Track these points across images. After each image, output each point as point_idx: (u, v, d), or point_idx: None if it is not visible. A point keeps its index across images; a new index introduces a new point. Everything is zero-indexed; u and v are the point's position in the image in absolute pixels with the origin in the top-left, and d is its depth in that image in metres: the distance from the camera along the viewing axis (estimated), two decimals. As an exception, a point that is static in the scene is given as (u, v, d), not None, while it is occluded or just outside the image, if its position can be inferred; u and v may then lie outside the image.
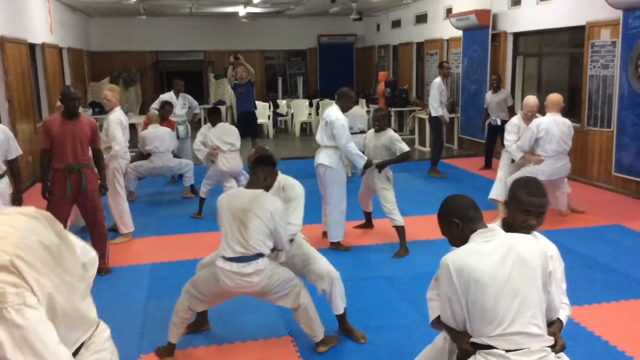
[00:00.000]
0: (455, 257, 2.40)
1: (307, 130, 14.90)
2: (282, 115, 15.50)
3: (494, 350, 2.31)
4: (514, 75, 10.70)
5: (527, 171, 6.28)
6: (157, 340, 4.11)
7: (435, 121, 9.73)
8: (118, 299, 4.91)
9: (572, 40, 9.35)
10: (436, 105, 9.52)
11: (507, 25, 10.54)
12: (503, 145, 9.54)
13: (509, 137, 6.59)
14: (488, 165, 9.94)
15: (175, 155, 8.47)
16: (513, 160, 6.70)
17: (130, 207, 7.45)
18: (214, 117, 7.69)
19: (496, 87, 9.70)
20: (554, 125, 6.27)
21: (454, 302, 2.38)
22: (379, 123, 5.95)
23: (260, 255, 3.59)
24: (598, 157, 8.24)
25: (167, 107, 8.81)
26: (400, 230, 5.79)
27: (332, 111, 5.86)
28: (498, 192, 6.56)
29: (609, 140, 8.02)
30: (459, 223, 2.53)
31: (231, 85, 9.87)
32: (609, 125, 8.00)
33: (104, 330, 1.95)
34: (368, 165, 5.88)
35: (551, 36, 9.93)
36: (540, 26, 9.64)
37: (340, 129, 5.73)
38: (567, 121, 6.45)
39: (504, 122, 9.57)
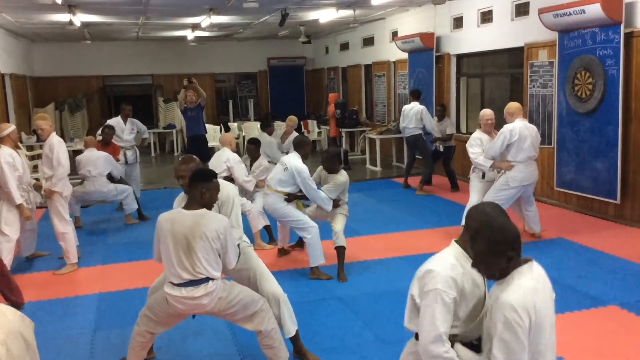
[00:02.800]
0: (523, 299, 2.17)
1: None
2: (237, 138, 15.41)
3: None
4: (458, 95, 11.01)
5: (500, 183, 6.43)
6: (105, 372, 4.02)
7: (420, 141, 9.87)
8: (64, 331, 4.76)
9: (512, 60, 9.70)
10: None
11: (450, 47, 10.86)
12: (447, 169, 9.85)
13: (473, 150, 6.64)
14: (429, 182, 10.15)
15: (121, 181, 8.32)
16: (484, 177, 6.77)
17: (77, 234, 7.30)
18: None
19: (441, 116, 10.00)
20: (526, 130, 6.32)
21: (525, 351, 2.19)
22: (330, 168, 5.98)
23: (210, 278, 3.53)
24: (541, 173, 8.49)
25: (106, 130, 8.69)
26: (341, 251, 5.77)
27: (293, 160, 5.82)
28: None
29: (550, 156, 8.32)
30: (513, 256, 2.25)
31: (181, 109, 9.81)
32: (549, 142, 8.30)
33: None
34: (335, 205, 5.94)
35: (492, 57, 10.28)
36: (481, 48, 9.98)
37: (307, 181, 5.71)
38: (534, 127, 6.58)
39: (446, 148, 9.85)
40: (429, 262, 2.44)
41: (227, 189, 4.02)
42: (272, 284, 4.01)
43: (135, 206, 8.37)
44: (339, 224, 5.87)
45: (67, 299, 5.52)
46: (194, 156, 4.22)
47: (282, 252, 6.55)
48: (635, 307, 4.73)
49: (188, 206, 3.63)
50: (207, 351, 4.32)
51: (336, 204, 5.94)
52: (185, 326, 4.46)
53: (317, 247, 5.75)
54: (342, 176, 5.98)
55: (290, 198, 5.81)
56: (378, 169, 12.15)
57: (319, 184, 6.06)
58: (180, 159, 4.48)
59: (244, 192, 7.10)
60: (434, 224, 7.51)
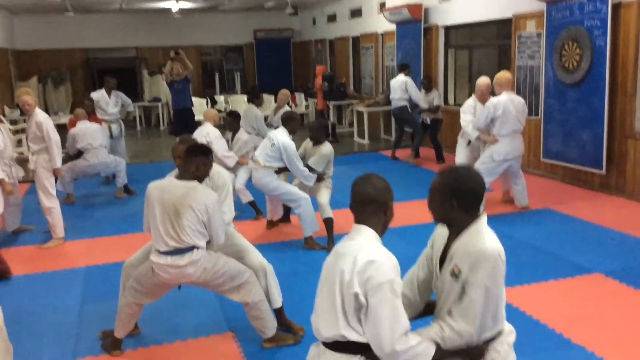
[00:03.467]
0: (499, 246, 2.19)
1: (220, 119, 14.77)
2: (219, 111, 15.30)
3: (502, 338, 2.30)
4: (446, 67, 10.96)
5: (485, 156, 6.44)
6: (93, 344, 4.02)
7: (405, 112, 9.82)
8: (52, 304, 4.75)
9: (500, 32, 9.66)
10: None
11: (438, 18, 10.78)
12: (434, 141, 9.85)
13: (465, 117, 6.66)
14: (417, 154, 10.16)
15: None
16: (469, 144, 6.80)
17: (65, 208, 7.25)
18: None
19: (427, 88, 9.96)
20: (510, 104, 6.30)
21: (500, 297, 2.21)
22: (317, 139, 5.97)
23: (195, 247, 3.54)
24: (528, 144, 8.52)
25: (86, 102, 8.61)
26: (329, 222, 5.79)
27: (281, 135, 5.77)
28: None
29: (537, 128, 8.34)
30: (455, 206, 2.22)
31: (167, 82, 9.68)
32: (536, 113, 8.31)
33: None
34: (320, 179, 5.94)
35: (480, 29, 10.22)
36: (469, 19, 9.91)
37: (293, 158, 5.69)
38: (521, 100, 6.54)
39: (432, 121, 9.83)
40: (359, 252, 2.14)
41: (223, 176, 4.05)
42: (257, 257, 4.03)
43: (125, 180, 8.33)
44: (324, 197, 5.86)
45: (54, 272, 5.49)
46: (191, 136, 4.24)
47: (272, 223, 6.54)
48: (620, 275, 4.80)
49: (180, 177, 3.65)
50: (195, 323, 4.33)
51: (320, 177, 5.93)
52: (173, 298, 4.45)
53: (310, 217, 5.74)
54: (327, 147, 5.97)
55: (279, 171, 5.79)
56: (366, 141, 12.13)
57: (304, 157, 6.04)
58: (178, 139, 4.43)
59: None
60: (420, 195, 7.51)
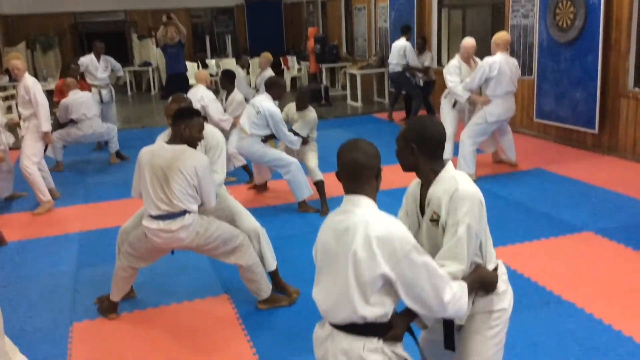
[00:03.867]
0: (475, 188, 2.20)
1: (212, 84, 14.63)
2: (211, 75, 15.15)
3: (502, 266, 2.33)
4: (440, 27, 10.83)
5: (478, 116, 6.43)
6: (89, 308, 4.06)
7: (402, 77, 9.74)
8: (47, 270, 4.78)
9: (494, -10, 9.53)
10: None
11: (431, -23, 10.60)
12: (426, 103, 9.78)
13: (452, 78, 6.57)
14: (408, 116, 10.13)
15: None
16: (454, 105, 6.75)
17: (56, 175, 7.24)
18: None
19: (421, 48, 9.84)
20: (505, 65, 6.26)
21: (483, 234, 2.24)
22: (302, 104, 5.91)
23: (187, 211, 3.55)
24: (520, 104, 8.52)
25: (73, 66, 8.51)
26: (320, 185, 5.78)
27: (265, 102, 5.68)
28: (447, 150, 6.61)
29: (530, 87, 8.30)
30: (415, 150, 2.23)
31: (160, 46, 9.56)
32: (530, 73, 8.26)
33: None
34: (304, 142, 5.92)
35: (474, -13, 10.08)
36: (463, -23, 9.75)
37: (279, 124, 5.63)
38: (515, 61, 6.50)
39: (425, 83, 9.76)
40: (367, 227, 2.00)
41: (217, 136, 4.02)
42: (250, 220, 4.04)
43: (118, 146, 8.30)
44: (312, 160, 5.85)
45: (48, 238, 5.51)
46: (185, 95, 4.19)
47: (259, 188, 6.52)
48: (610, 233, 4.85)
49: (170, 141, 3.64)
50: (191, 285, 4.37)
51: (305, 141, 5.91)
52: (168, 262, 4.49)
53: (301, 181, 5.73)
54: (311, 112, 5.93)
55: (266, 139, 5.73)
56: (359, 104, 12.07)
57: (287, 122, 6.00)
58: (171, 98, 4.39)
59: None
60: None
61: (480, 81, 6.34)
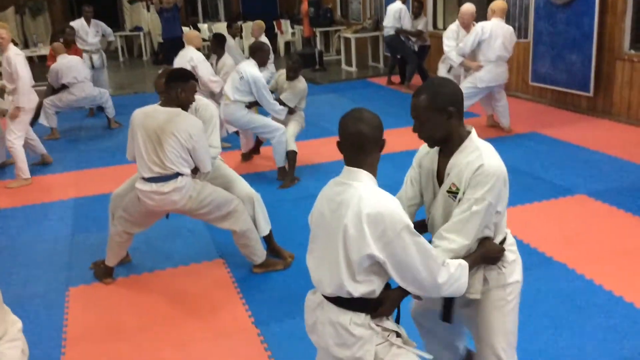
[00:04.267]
0: (501, 165, 2.11)
1: (205, 49, 14.43)
2: (204, 39, 14.95)
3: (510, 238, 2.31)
4: (435, -11, 10.68)
5: (468, 81, 6.40)
6: (85, 273, 4.08)
7: (396, 40, 9.63)
8: (42, 236, 4.79)
9: (491, -49, 9.35)
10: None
11: (427, -63, 10.39)
12: (420, 68, 9.69)
13: (448, 43, 6.58)
14: (402, 81, 10.06)
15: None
16: (450, 70, 6.73)
17: (50, 142, 7.20)
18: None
19: (417, 13, 9.71)
20: (498, 29, 6.25)
21: (500, 209, 2.18)
22: (292, 74, 5.79)
23: (179, 174, 3.54)
24: (516, 68, 8.47)
25: (67, 30, 8.37)
26: (292, 155, 5.65)
27: (249, 68, 5.55)
28: None
29: (525, 51, 8.23)
30: (453, 112, 2.09)
31: (157, 10, 9.42)
32: (525, 36, 8.18)
33: (16, 322, 2.20)
34: (291, 112, 5.83)
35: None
36: (459, -63, 9.57)
37: (263, 91, 5.51)
38: (510, 28, 6.47)
39: (420, 47, 9.65)
40: (361, 203, 1.93)
41: (210, 109, 3.97)
42: (245, 186, 4.04)
43: (114, 110, 8.22)
44: (291, 130, 5.74)
45: (43, 204, 5.51)
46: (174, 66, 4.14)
47: (245, 156, 6.44)
48: (603, 195, 4.88)
49: (164, 104, 3.61)
50: (186, 250, 4.39)
51: (292, 111, 5.81)
52: (163, 227, 4.52)
53: (285, 148, 5.64)
54: (301, 83, 5.82)
55: (250, 106, 5.62)
56: (353, 69, 11.96)
57: (276, 92, 5.93)
58: (160, 71, 4.31)
59: (209, 95, 6.94)
60: (407, 122, 7.48)
61: (473, 45, 6.30)
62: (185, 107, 3.61)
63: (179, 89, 3.54)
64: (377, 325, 2.03)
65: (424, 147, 2.32)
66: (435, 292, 2.01)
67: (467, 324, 2.41)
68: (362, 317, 2.01)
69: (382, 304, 2.04)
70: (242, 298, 3.70)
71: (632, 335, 3.09)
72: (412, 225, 1.96)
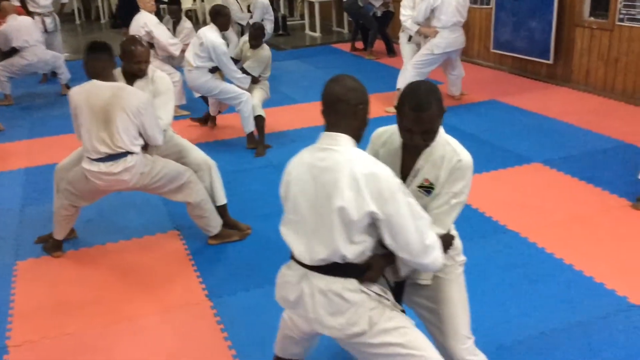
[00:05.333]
0: (469, 154, 2.15)
1: (193, 18, 14.11)
2: (162, 2, 14.51)
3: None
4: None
5: (425, 48, 6.34)
6: (34, 246, 3.98)
7: (354, 6, 9.47)
8: (-10, 208, 4.64)
9: None
10: None
11: None
12: (382, 34, 9.58)
13: (405, 12, 6.52)
14: (366, 47, 9.97)
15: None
16: (410, 39, 6.67)
17: (2, 109, 6.96)
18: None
19: None
20: None
21: None
22: (255, 42, 5.67)
23: (129, 153, 3.43)
24: (478, 35, 8.45)
25: None
26: (260, 120, 5.57)
27: (209, 33, 5.36)
28: (402, 81, 6.57)
29: (487, 17, 8.20)
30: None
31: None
32: (488, 2, 8.14)
33: None
34: (255, 81, 5.70)
35: None
36: None
37: (223, 58, 5.34)
38: None
39: (384, 13, 9.53)
40: (352, 165, 1.92)
41: (167, 82, 3.83)
42: (200, 154, 3.94)
43: (69, 74, 7.95)
44: (257, 97, 5.64)
45: (-8, 175, 5.33)
46: (136, 36, 3.98)
47: (202, 121, 6.31)
48: (557, 164, 4.94)
49: (105, 78, 3.42)
50: (140, 222, 4.30)
51: (255, 80, 5.70)
52: (116, 198, 4.42)
53: (251, 114, 5.56)
54: (265, 51, 5.70)
55: (213, 70, 5.48)
56: (317, 34, 11.78)
57: (240, 60, 5.80)
58: (124, 39, 4.02)
59: (167, 59, 6.76)
60: (371, 89, 7.45)
61: (426, 13, 6.29)
62: (129, 81, 3.43)
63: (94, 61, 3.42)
64: (369, 290, 2.04)
65: (377, 139, 2.29)
66: (422, 255, 1.99)
67: (421, 312, 2.38)
68: (353, 283, 2.02)
69: (370, 269, 2.04)
70: (197, 271, 3.65)
71: (580, 303, 3.15)
72: (404, 186, 1.99)
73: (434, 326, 2.28)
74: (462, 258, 2.37)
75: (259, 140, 5.59)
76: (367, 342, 2.02)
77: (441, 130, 2.15)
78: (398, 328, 2.04)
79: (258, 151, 5.50)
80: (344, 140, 2.00)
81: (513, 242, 3.79)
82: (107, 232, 4.16)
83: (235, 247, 3.91)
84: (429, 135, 2.08)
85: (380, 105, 6.44)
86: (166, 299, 3.37)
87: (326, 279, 2.02)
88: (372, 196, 1.90)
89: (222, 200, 3.98)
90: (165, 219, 4.33)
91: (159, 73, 3.83)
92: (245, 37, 5.92)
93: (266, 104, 6.06)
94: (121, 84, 3.42)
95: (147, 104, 3.43)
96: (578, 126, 5.82)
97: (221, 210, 4.00)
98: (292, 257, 2.12)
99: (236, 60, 5.78)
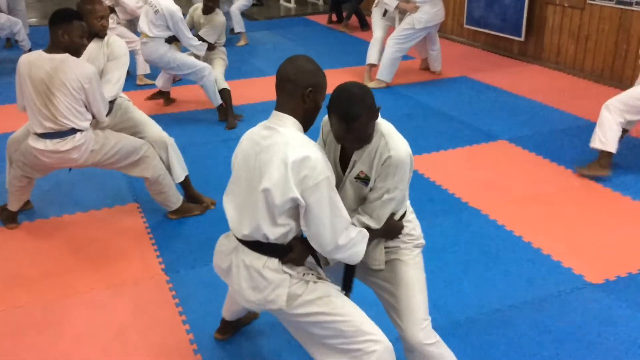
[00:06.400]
0: (408, 149, 2.09)
1: None
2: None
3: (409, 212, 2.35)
4: None
5: (406, 22, 6.26)
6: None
7: None
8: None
9: None
10: None
11: None
12: (356, 8, 9.46)
13: None
14: (339, 19, 9.87)
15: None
16: (385, 14, 6.56)
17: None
18: None
19: None
20: None
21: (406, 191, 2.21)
22: (212, 3, 5.48)
23: (76, 130, 3.29)
24: (452, 10, 8.38)
25: None
26: (226, 93, 5.45)
27: (163, 0, 5.16)
28: (374, 55, 6.50)
29: (462, -8, 8.14)
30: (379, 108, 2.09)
31: None
32: (462, -23, 8.07)
33: None
34: (211, 48, 5.53)
35: None
36: None
37: (180, 25, 5.15)
38: None
39: None
40: (287, 147, 1.91)
41: (123, 47, 3.66)
42: (156, 130, 3.79)
43: (29, 42, 7.70)
44: (217, 68, 5.50)
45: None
46: None
47: (165, 97, 6.09)
48: (523, 141, 4.94)
49: (49, 49, 3.26)
50: (99, 195, 4.21)
51: (212, 47, 5.54)
52: (74, 172, 4.30)
53: (215, 86, 5.42)
54: (219, 16, 5.54)
55: (169, 41, 5.26)
56: (292, 5, 11.61)
57: (193, 28, 5.64)
58: None
59: (131, 26, 6.58)
60: (343, 63, 7.39)
61: None
62: (75, 52, 3.26)
63: (60, 31, 3.19)
64: (291, 271, 2.05)
65: (325, 126, 2.25)
66: (333, 252, 2.02)
67: (378, 292, 2.34)
68: (275, 262, 2.04)
69: (292, 251, 2.06)
70: (155, 244, 3.59)
71: (537, 280, 3.18)
72: (333, 179, 1.96)
73: (391, 307, 2.26)
74: (419, 242, 2.33)
75: (228, 113, 5.48)
76: (291, 313, 2.06)
77: (380, 121, 2.10)
78: (322, 297, 2.06)
79: (229, 123, 5.40)
80: (289, 122, 1.99)
81: (474, 219, 3.79)
82: (64, 204, 4.07)
83: (196, 221, 3.85)
84: (362, 140, 2.04)
85: (351, 79, 6.37)
86: (121, 273, 3.31)
87: (251, 255, 2.06)
88: (296, 183, 1.89)
89: (181, 177, 3.86)
90: (125, 192, 4.24)
91: (114, 37, 3.68)
92: (196, 5, 5.74)
93: (236, 75, 5.98)
94: (65, 55, 3.22)
95: (91, 77, 3.24)
96: (546, 104, 5.84)
97: (184, 184, 3.91)
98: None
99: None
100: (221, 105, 5.52)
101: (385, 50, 6.37)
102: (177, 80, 6.03)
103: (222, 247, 2.19)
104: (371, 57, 6.53)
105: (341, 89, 2.01)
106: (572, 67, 6.80)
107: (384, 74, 6.39)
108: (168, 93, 6.06)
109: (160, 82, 5.95)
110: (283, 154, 1.90)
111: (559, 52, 6.95)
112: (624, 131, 4.23)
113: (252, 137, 2.05)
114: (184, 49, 5.51)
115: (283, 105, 2.02)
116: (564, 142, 4.94)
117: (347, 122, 1.95)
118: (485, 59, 7.56)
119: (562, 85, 6.43)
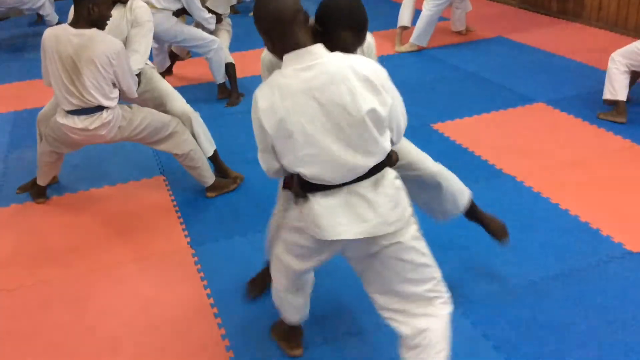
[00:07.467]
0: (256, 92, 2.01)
1: None
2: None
3: None
4: None
5: None
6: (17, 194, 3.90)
7: None
8: (-25, 153, 4.55)
9: None
10: None
11: None
12: None
13: None
14: None
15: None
16: None
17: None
18: None
19: None
20: None
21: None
22: None
23: (103, 107, 3.22)
24: (487, -32, 8.04)
25: None
26: (231, 67, 5.24)
27: None
28: (406, 17, 6.25)
29: (498, -52, 7.78)
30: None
31: None
32: None
33: None
34: (218, 21, 5.31)
35: None
36: None
37: None
38: None
39: None
40: (357, 67, 1.83)
41: (149, 12, 3.59)
42: (180, 104, 3.68)
43: (56, 16, 7.70)
44: (224, 42, 5.28)
45: (-21, 119, 5.22)
46: None
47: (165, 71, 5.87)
48: (561, 104, 4.71)
49: (75, 23, 3.14)
50: (126, 168, 4.18)
51: (219, 18, 5.32)
52: (100, 147, 4.29)
53: (223, 62, 5.19)
54: None
55: (177, 14, 5.02)
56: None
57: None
58: None
59: None
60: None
61: None
62: (102, 25, 3.17)
63: (90, 4, 3.07)
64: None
65: (266, 57, 2.38)
66: (400, 138, 2.05)
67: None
68: (390, 170, 2.02)
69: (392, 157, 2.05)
70: (180, 217, 3.56)
71: (574, 250, 3.03)
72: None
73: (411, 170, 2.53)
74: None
75: (231, 89, 5.30)
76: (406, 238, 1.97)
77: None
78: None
79: (231, 101, 5.22)
80: (321, 50, 1.86)
81: (507, 186, 3.63)
82: (93, 178, 4.07)
83: (222, 196, 3.78)
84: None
85: (380, 44, 6.18)
86: (147, 246, 3.29)
87: (373, 178, 1.93)
88: (385, 89, 1.87)
89: (209, 151, 3.76)
90: (153, 165, 4.21)
91: (138, 2, 3.59)
92: None
93: (239, 47, 5.79)
94: (93, 31, 3.12)
95: (119, 52, 3.15)
96: (586, 64, 5.55)
97: (213, 157, 3.82)
98: (312, 189, 1.93)
99: None
100: (223, 82, 5.31)
101: (422, 11, 6.11)
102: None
103: (329, 203, 1.91)
104: (403, 18, 6.28)
105: (336, 2, 2.06)
106: (614, 24, 6.44)
107: (420, 38, 6.13)
108: (163, 73, 5.74)
109: (158, 68, 5.69)
110: (354, 73, 1.81)
111: (600, 8, 6.58)
112: (636, 74, 4.37)
113: (295, 90, 1.81)
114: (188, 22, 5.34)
115: (293, 40, 1.85)
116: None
117: (362, 31, 2.10)
118: (522, 18, 7.24)
119: (604, 44, 6.08)
